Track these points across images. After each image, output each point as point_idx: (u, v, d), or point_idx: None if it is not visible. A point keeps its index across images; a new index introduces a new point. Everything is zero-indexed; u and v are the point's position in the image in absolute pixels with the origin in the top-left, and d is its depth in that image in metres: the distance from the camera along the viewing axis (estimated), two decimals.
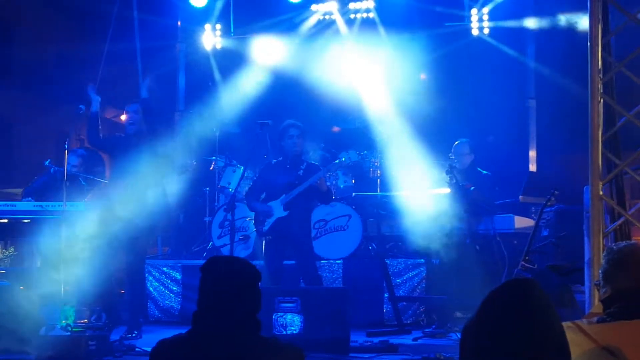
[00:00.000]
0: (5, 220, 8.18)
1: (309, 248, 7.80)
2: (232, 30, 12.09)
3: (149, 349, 3.01)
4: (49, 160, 9.05)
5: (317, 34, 11.61)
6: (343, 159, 8.14)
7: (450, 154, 8.42)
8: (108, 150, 8.27)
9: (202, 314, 2.99)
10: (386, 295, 8.43)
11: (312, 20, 11.64)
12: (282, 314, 6.51)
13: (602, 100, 5.47)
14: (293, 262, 7.81)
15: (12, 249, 8.64)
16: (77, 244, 7.45)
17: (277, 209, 7.65)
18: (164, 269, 9.23)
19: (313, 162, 8.22)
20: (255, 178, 8.51)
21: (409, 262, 8.74)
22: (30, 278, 8.17)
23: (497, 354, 2.23)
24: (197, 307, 3.01)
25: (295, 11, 11.70)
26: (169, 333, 2.94)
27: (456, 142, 8.46)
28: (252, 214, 9.23)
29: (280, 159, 7.95)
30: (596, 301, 4.89)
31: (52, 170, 8.87)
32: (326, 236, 9.27)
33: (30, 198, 8.60)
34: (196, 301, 3.03)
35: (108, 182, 8.19)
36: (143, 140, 7.78)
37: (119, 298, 8.20)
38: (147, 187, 7.63)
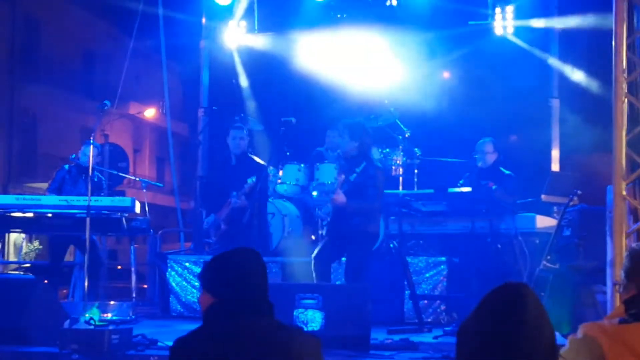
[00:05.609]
0: (31, 215, 8.28)
1: (360, 251, 7.45)
2: (256, 27, 12.13)
3: (171, 344, 3.05)
4: (73, 155, 9.17)
5: (341, 31, 11.60)
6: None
7: (474, 153, 8.46)
8: None
9: (218, 305, 3.03)
10: (407, 293, 8.44)
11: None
12: (303, 310, 6.52)
13: (626, 100, 5.45)
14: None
15: (37, 243, 8.74)
16: None
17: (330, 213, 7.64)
18: (186, 264, 9.28)
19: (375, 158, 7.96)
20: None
21: (430, 261, 8.73)
22: (55, 272, 8.27)
23: (491, 356, 2.31)
24: (214, 298, 3.05)
25: (320, 9, 11.71)
26: (191, 328, 2.98)
27: (480, 140, 8.50)
28: (274, 211, 9.31)
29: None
30: (618, 302, 4.89)
31: (67, 166, 9.01)
32: None
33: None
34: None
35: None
36: None
37: None
38: None
